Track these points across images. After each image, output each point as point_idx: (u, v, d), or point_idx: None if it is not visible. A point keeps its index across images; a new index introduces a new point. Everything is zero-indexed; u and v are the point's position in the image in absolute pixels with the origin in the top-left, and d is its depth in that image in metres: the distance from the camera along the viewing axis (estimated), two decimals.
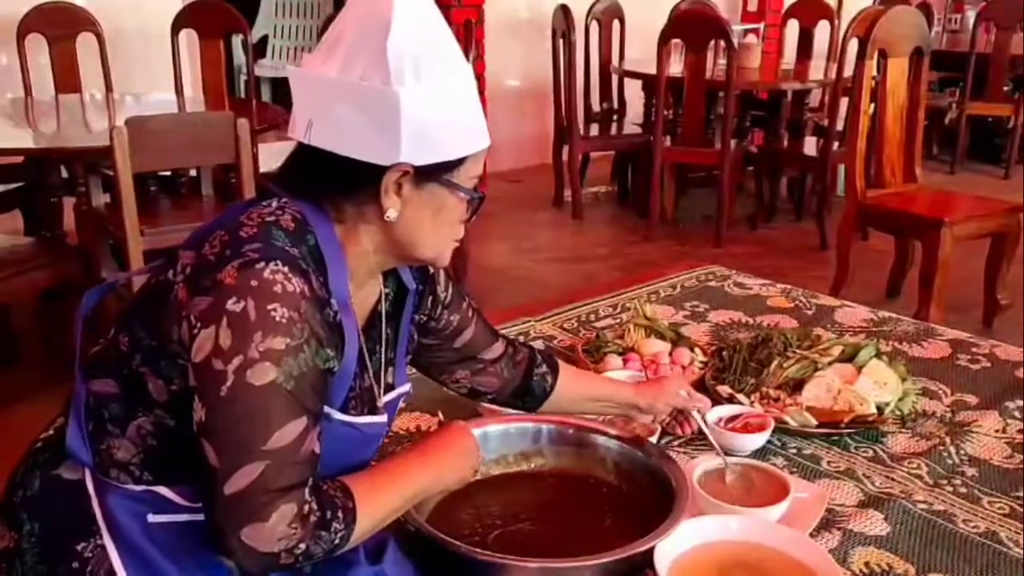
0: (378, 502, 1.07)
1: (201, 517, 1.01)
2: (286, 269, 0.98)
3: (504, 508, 1.39)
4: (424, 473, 1.17)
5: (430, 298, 1.31)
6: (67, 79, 4.30)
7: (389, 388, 1.23)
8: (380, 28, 1.02)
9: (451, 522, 1.31)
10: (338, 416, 1.10)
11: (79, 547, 1.04)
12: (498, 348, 1.42)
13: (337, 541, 1.01)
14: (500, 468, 1.48)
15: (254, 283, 0.97)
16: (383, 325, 1.21)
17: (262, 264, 0.98)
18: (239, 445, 0.95)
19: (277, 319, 0.96)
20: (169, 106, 3.92)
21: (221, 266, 0.98)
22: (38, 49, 4.27)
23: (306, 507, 0.97)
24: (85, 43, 4.34)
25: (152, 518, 1.05)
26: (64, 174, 3.63)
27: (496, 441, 1.48)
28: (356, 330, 1.09)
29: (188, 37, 4.43)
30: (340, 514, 1.01)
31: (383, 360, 1.21)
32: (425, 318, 1.31)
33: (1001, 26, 6.01)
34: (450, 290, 1.34)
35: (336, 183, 1.08)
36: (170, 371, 1.02)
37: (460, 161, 1.09)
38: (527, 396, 1.45)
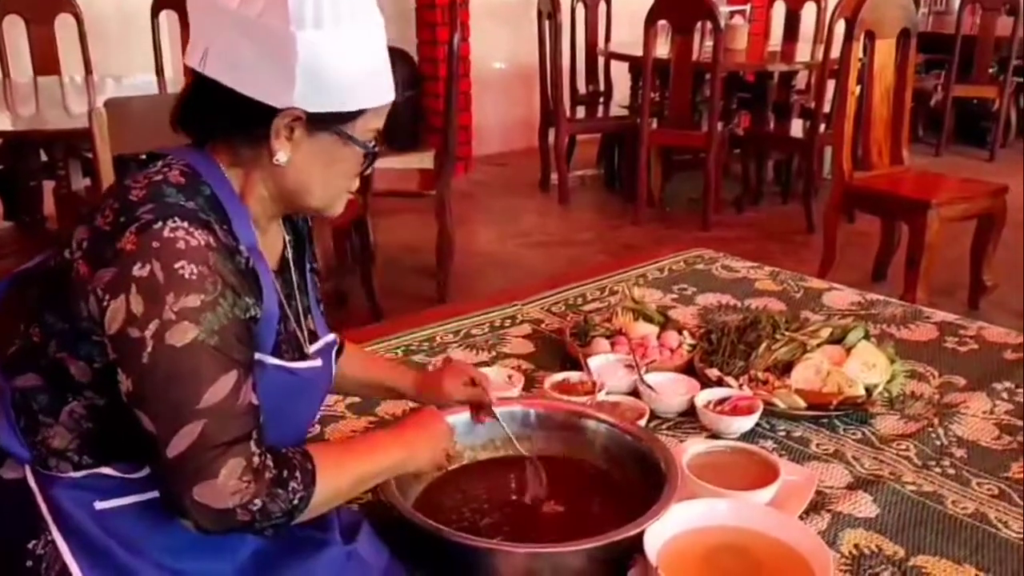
0: (341, 469, 1.06)
1: (149, 496, 1.00)
2: (186, 224, 0.96)
3: (492, 493, 1.38)
4: (394, 450, 1.16)
5: (310, 249, 1.28)
6: (46, 61, 4.24)
7: (314, 336, 1.20)
8: None
9: (438, 508, 1.30)
10: (271, 360, 1.07)
11: (30, 546, 1.01)
12: None
13: (296, 501, 0.99)
14: (488, 453, 1.47)
15: (156, 244, 0.95)
16: (292, 271, 1.19)
17: (160, 224, 0.96)
18: (173, 408, 0.94)
19: (187, 276, 0.94)
20: (149, 87, 3.87)
21: (118, 234, 0.96)
22: (16, 31, 4.20)
23: (256, 460, 0.96)
24: (64, 24, 4.28)
25: (99, 505, 1.03)
26: (43, 158, 3.58)
27: (484, 426, 1.47)
28: (270, 274, 1.07)
29: (168, 18, 4.37)
30: (298, 474, 0.99)
31: (300, 307, 1.19)
32: (312, 268, 1.28)
33: (987, 8, 6.00)
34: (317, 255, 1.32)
35: (229, 120, 1.06)
36: (88, 350, 1.00)
37: (358, 113, 1.07)
38: None
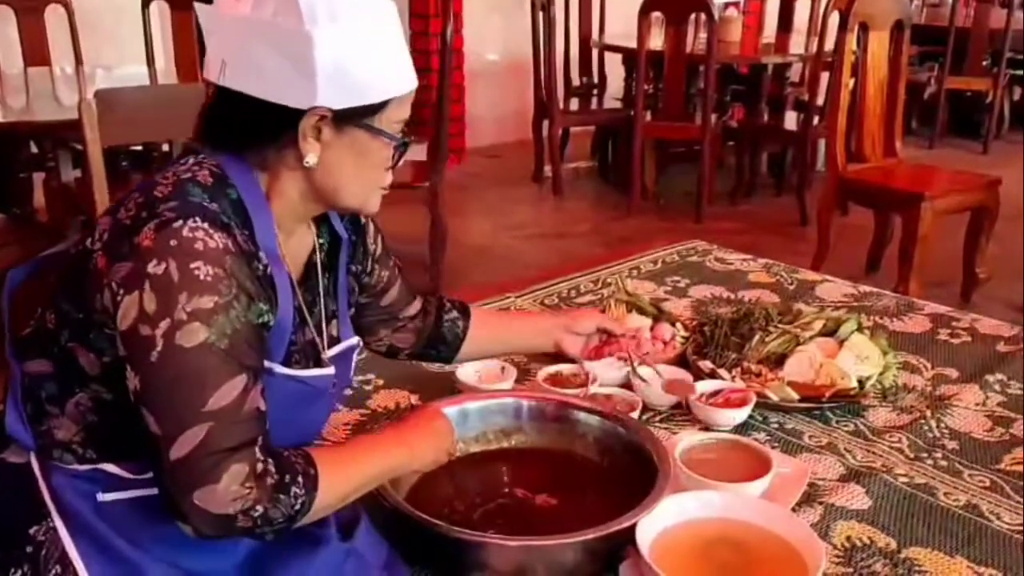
0: (343, 473, 1.05)
1: (151, 492, 1.00)
2: (206, 225, 0.95)
3: (484, 486, 1.37)
4: (396, 451, 1.15)
5: (361, 249, 1.28)
6: (36, 52, 4.20)
7: (335, 341, 1.20)
8: None
9: (430, 501, 1.29)
10: (281, 370, 1.06)
11: (31, 531, 1.01)
12: (416, 304, 1.42)
13: (298, 507, 0.98)
14: (480, 445, 1.46)
15: (173, 242, 0.94)
16: (319, 276, 1.18)
17: (180, 222, 0.95)
18: (178, 410, 0.93)
19: (202, 277, 0.93)
20: (140, 79, 3.84)
21: (138, 229, 0.95)
22: (6, 21, 4.17)
23: (259, 466, 0.95)
24: (54, 15, 4.25)
25: (102, 496, 1.02)
26: (34, 149, 3.56)
27: (476, 418, 1.46)
28: (289, 281, 1.06)
29: (159, 8, 4.35)
30: (300, 479, 0.98)
31: (324, 312, 1.18)
32: (359, 269, 1.28)
33: (980, 0, 6.01)
34: (379, 243, 1.32)
35: (255, 129, 1.04)
36: (100, 343, 0.99)
37: (383, 104, 1.05)
38: (440, 343, 1.43)
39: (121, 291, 0.94)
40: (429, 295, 1.44)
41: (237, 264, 0.97)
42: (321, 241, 1.19)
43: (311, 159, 1.04)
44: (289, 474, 0.97)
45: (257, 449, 0.95)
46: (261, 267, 1.01)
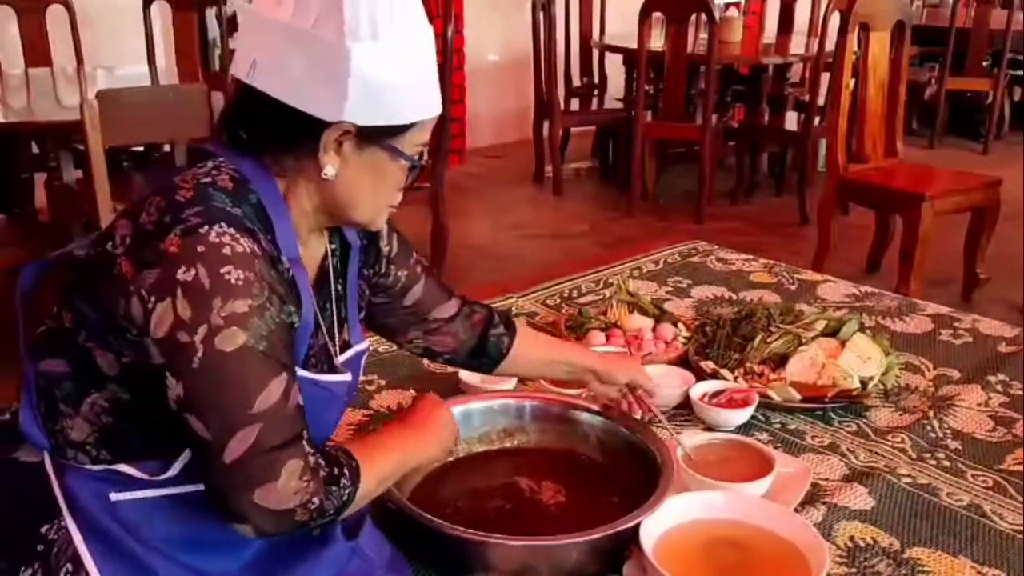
0: (377, 464, 1.07)
1: (164, 492, 1.00)
2: (232, 231, 0.95)
3: (488, 485, 1.37)
4: (410, 442, 1.17)
5: (374, 252, 1.28)
6: (37, 52, 4.20)
7: (346, 346, 1.20)
8: None
9: (434, 500, 1.29)
10: (302, 373, 1.07)
11: (43, 530, 1.01)
12: (452, 306, 1.38)
13: (346, 498, 1.00)
14: (483, 445, 1.47)
15: (201, 249, 0.93)
16: (332, 282, 1.19)
17: (206, 228, 0.94)
18: (226, 413, 0.94)
19: (233, 282, 0.93)
20: (142, 79, 3.84)
21: (162, 235, 0.95)
22: (7, 21, 4.17)
23: (311, 459, 0.97)
24: (55, 15, 4.24)
25: (115, 496, 1.02)
26: (35, 150, 3.56)
27: (479, 418, 1.47)
28: (308, 285, 1.07)
29: (161, 9, 4.35)
30: (346, 471, 1.01)
31: (335, 318, 1.19)
32: (372, 272, 1.28)
33: (980, 1, 6.01)
34: (395, 243, 1.31)
35: (275, 132, 1.04)
36: (119, 344, 0.99)
37: (407, 127, 1.05)
38: (483, 356, 1.41)
39: (152, 298, 0.94)
40: (479, 305, 1.42)
41: (265, 268, 0.97)
42: (333, 247, 1.19)
43: (330, 171, 1.04)
44: (336, 467, 1.00)
45: (304, 443, 0.97)
46: (285, 270, 1.02)
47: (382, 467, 1.08)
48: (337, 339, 1.18)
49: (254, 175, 1.04)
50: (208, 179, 1.01)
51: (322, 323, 1.14)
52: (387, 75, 1.00)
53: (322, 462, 0.98)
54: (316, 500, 0.96)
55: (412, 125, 1.05)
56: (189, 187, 0.99)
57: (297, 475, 0.95)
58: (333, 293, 1.18)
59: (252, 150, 1.05)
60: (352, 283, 1.22)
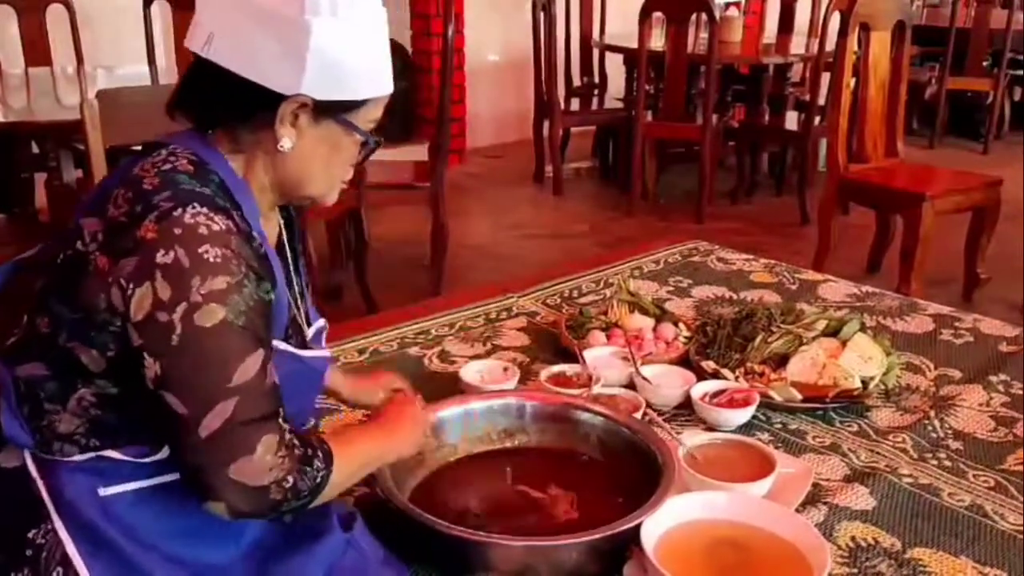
0: (348, 455, 1.08)
1: (153, 482, 1.01)
2: (205, 210, 0.97)
3: (487, 485, 1.37)
4: (381, 439, 1.18)
5: (296, 232, 1.27)
6: (37, 52, 4.19)
7: (307, 322, 1.21)
8: None
9: (435, 501, 1.29)
10: (282, 346, 1.08)
11: (30, 535, 1.00)
12: None
13: (319, 480, 1.00)
14: (484, 446, 1.46)
15: (177, 231, 0.95)
16: (289, 258, 1.20)
17: (180, 210, 0.96)
18: (204, 388, 0.94)
19: (211, 260, 0.95)
20: (142, 78, 3.84)
21: (137, 223, 0.96)
22: (7, 21, 4.16)
23: (287, 435, 0.98)
24: (55, 15, 4.24)
25: (103, 491, 1.02)
26: (35, 149, 3.56)
27: (479, 418, 1.46)
28: (277, 260, 1.08)
29: (161, 9, 4.34)
30: (320, 453, 1.01)
31: (297, 292, 1.20)
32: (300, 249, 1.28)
33: (980, 0, 6.00)
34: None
35: (231, 105, 1.05)
36: (103, 339, 0.99)
37: (362, 102, 1.08)
38: None
39: (131, 285, 0.95)
40: None
41: (241, 244, 0.98)
42: (281, 222, 1.20)
43: (286, 143, 1.05)
44: (310, 448, 1.00)
45: (280, 420, 0.98)
46: (258, 246, 1.02)
47: (353, 458, 1.09)
48: (302, 312, 1.19)
49: (210, 156, 1.05)
50: (168, 166, 1.02)
51: (289, 298, 1.14)
52: (344, 51, 1.03)
53: (296, 442, 0.99)
54: (291, 479, 0.97)
55: (366, 101, 1.08)
56: (152, 175, 1.00)
57: (273, 450, 0.95)
58: (291, 268, 1.19)
59: (207, 126, 1.07)
60: (299, 257, 1.24)
